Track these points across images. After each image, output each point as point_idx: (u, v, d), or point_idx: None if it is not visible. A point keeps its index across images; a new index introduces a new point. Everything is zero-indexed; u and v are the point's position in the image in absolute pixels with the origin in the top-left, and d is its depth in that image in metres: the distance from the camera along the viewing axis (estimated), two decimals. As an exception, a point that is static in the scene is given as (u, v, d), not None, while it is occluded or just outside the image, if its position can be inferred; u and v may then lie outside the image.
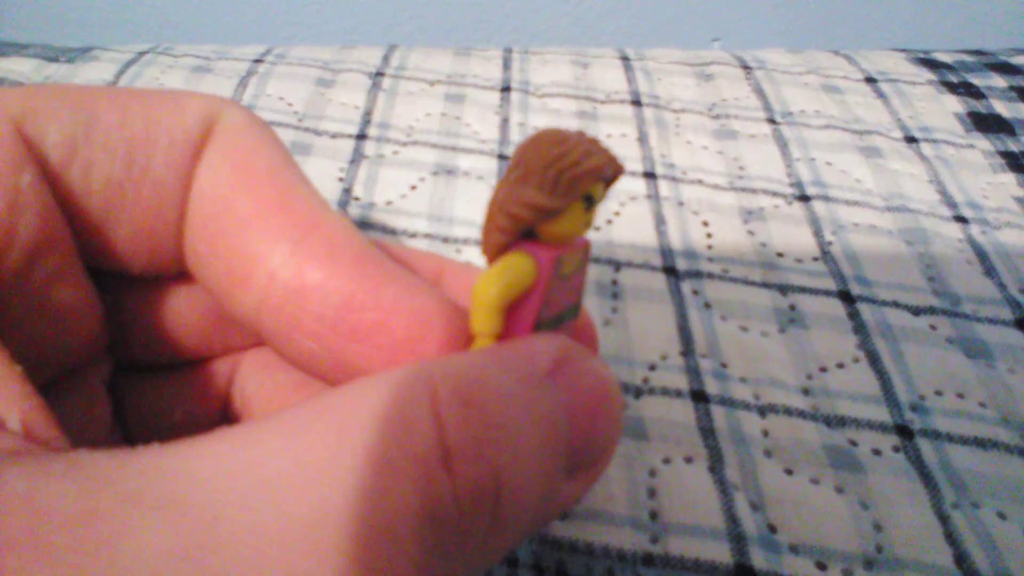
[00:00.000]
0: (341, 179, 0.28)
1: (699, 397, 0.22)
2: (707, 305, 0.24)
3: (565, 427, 0.12)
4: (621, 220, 0.27)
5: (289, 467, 0.09)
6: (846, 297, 0.25)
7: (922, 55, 0.40)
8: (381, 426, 0.10)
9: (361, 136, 0.31)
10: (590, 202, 0.13)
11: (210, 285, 0.14)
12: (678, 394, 0.22)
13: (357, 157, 0.29)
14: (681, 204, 0.28)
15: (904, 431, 0.21)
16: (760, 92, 0.35)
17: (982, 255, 0.27)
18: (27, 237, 0.12)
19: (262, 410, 0.16)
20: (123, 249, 0.14)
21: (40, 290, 0.13)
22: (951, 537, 0.19)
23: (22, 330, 0.12)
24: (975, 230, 0.28)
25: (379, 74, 0.34)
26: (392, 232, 0.27)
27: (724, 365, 0.23)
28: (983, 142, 0.33)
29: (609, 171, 0.13)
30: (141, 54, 0.35)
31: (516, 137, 0.31)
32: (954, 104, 0.35)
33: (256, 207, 0.13)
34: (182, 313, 0.15)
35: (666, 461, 0.20)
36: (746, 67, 0.37)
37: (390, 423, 0.10)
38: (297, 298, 0.13)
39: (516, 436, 0.11)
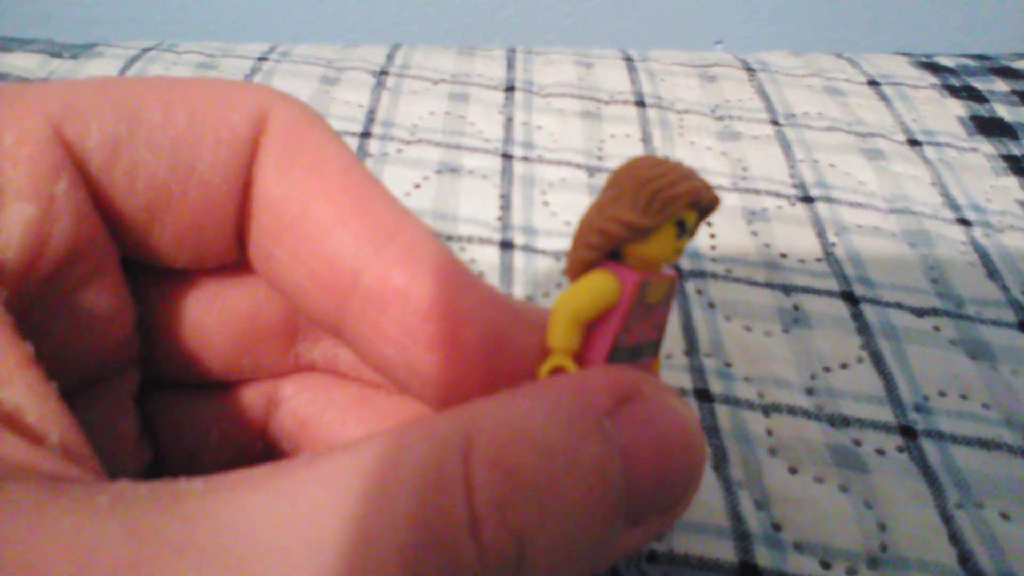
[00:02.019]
0: (345, 176, 0.28)
1: (703, 396, 0.22)
2: (711, 305, 0.24)
3: (620, 476, 0.11)
4: (625, 220, 0.27)
5: (331, 526, 0.09)
6: (850, 298, 0.25)
7: (924, 59, 0.40)
8: (416, 488, 0.10)
9: (365, 134, 0.31)
10: (682, 229, 0.12)
11: (287, 288, 0.14)
12: (683, 393, 0.22)
13: (361, 155, 0.29)
14: (685, 204, 0.28)
15: (908, 431, 0.21)
16: (763, 94, 0.35)
17: (985, 258, 0.27)
18: (60, 243, 0.12)
19: (325, 431, 0.16)
20: (167, 248, 0.14)
21: (70, 295, 0.12)
22: (955, 537, 0.19)
23: (50, 335, 0.12)
24: (978, 233, 0.28)
25: (383, 72, 0.34)
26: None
27: (728, 364, 0.23)
28: (986, 146, 0.33)
29: (705, 198, 0.12)
30: (145, 51, 0.35)
31: (520, 136, 0.31)
32: (957, 108, 0.36)
33: (336, 213, 0.13)
34: (212, 332, 0.15)
35: (670, 459, 0.20)
36: (749, 69, 0.37)
37: (424, 483, 0.10)
38: (379, 304, 0.13)
39: (549, 496, 0.10)
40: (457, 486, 0.10)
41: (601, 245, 0.12)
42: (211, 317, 0.15)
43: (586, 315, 0.12)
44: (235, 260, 0.15)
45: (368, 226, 0.13)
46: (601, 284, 0.12)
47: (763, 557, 0.18)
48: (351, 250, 0.13)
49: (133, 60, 0.34)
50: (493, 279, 0.25)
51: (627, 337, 0.13)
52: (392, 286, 0.13)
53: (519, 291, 0.25)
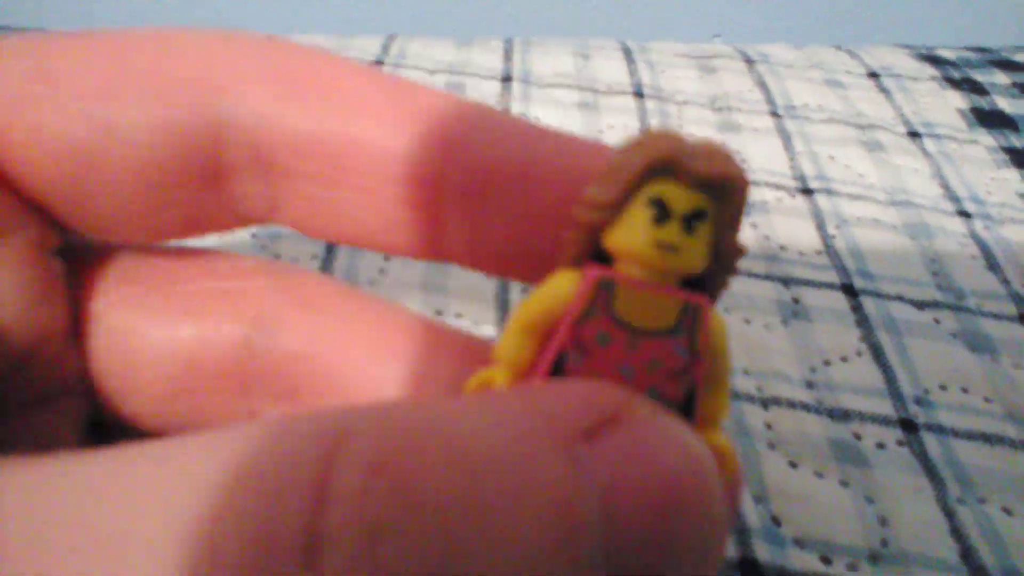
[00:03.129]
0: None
1: (702, 389, 0.21)
2: (710, 297, 0.24)
3: (596, 521, 0.08)
4: (623, 211, 0.27)
5: (175, 522, 0.07)
6: (849, 291, 0.25)
7: (925, 51, 0.40)
8: (265, 492, 0.07)
9: (360, 124, 0.30)
10: (662, 212, 0.09)
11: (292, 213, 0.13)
12: (681, 386, 0.21)
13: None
14: (683, 196, 0.28)
15: (908, 425, 0.21)
16: (763, 86, 0.35)
17: (985, 250, 0.27)
18: None
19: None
20: (113, 216, 0.12)
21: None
22: (957, 532, 0.19)
23: None
24: (978, 225, 0.28)
25: (379, 63, 0.34)
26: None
27: (727, 357, 0.22)
28: (986, 138, 0.33)
29: (689, 166, 0.09)
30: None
31: (517, 127, 0.31)
32: (957, 100, 0.35)
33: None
34: (145, 367, 0.13)
35: (669, 453, 0.20)
36: (749, 61, 0.37)
37: (274, 487, 0.07)
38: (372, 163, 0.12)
39: (469, 528, 0.07)
40: (303, 495, 0.07)
41: (575, 238, 0.10)
42: (148, 348, 0.13)
43: (534, 321, 0.10)
44: (224, 225, 0.13)
45: (407, 115, 0.11)
46: (556, 283, 0.10)
47: (763, 552, 0.18)
48: (416, 149, 0.11)
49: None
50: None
51: (587, 362, 0.09)
52: (489, 168, 0.11)
53: (515, 285, 0.24)
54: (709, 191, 0.09)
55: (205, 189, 0.12)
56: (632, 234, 0.09)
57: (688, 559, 0.08)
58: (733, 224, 0.10)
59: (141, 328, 0.13)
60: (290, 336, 0.13)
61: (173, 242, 0.14)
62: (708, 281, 0.10)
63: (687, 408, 0.10)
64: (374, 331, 0.13)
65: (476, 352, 0.12)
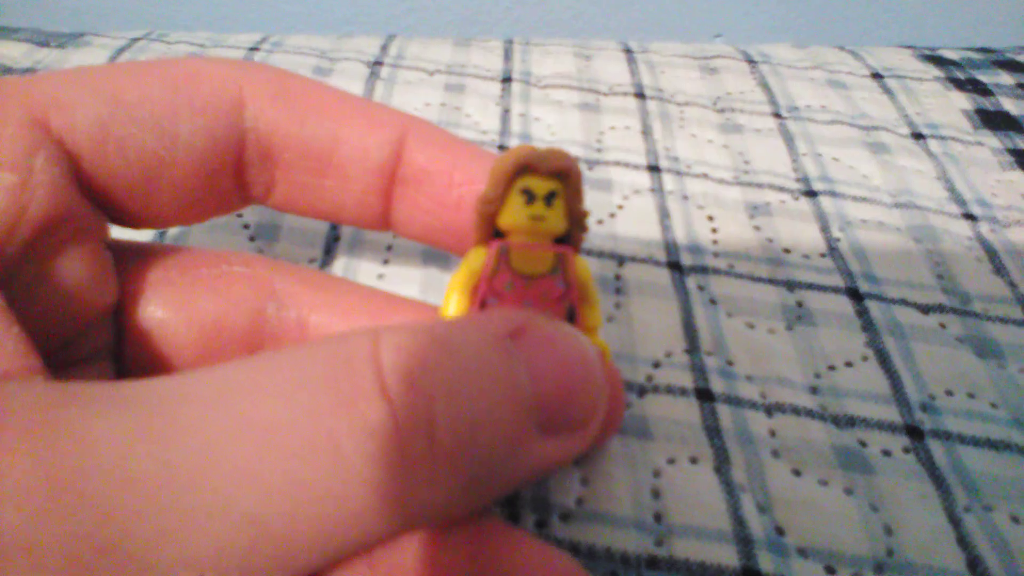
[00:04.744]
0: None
1: (704, 395, 0.21)
2: (712, 301, 0.24)
3: (527, 384, 0.13)
4: (624, 213, 0.27)
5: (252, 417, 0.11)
6: (854, 294, 0.25)
7: (928, 52, 0.39)
8: (330, 368, 0.11)
9: (359, 126, 0.30)
10: (530, 196, 0.14)
11: (339, 212, 0.17)
12: (683, 392, 0.21)
13: (355, 147, 0.29)
14: (686, 198, 0.28)
15: (914, 432, 0.21)
16: (765, 86, 0.35)
17: (991, 253, 0.27)
18: (39, 210, 0.13)
19: None
20: (168, 207, 0.16)
21: (50, 260, 0.14)
22: (963, 541, 0.18)
23: (32, 298, 0.14)
24: (984, 228, 0.28)
25: (377, 63, 0.34)
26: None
27: (730, 363, 0.22)
28: (991, 139, 0.32)
29: (540, 164, 0.14)
30: (134, 40, 0.34)
31: (517, 128, 0.30)
32: (961, 101, 0.35)
33: (357, 127, 0.16)
34: (178, 333, 0.16)
35: (671, 461, 0.19)
36: (751, 61, 0.37)
37: (336, 364, 0.11)
38: (415, 184, 0.16)
39: (456, 379, 0.12)
40: (364, 361, 0.11)
41: (478, 224, 0.15)
42: (179, 317, 0.16)
43: (462, 283, 0.15)
44: (233, 208, 0.17)
45: (379, 126, 0.16)
46: (472, 255, 0.15)
47: (766, 562, 0.18)
48: (385, 150, 0.16)
49: (122, 50, 0.33)
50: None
51: (501, 302, 0.15)
52: (422, 167, 0.16)
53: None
54: (557, 178, 0.14)
55: (230, 180, 0.16)
56: (513, 214, 0.14)
57: (587, 411, 0.14)
58: (576, 197, 0.15)
59: (174, 303, 0.16)
60: (297, 306, 0.16)
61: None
62: (570, 237, 0.15)
63: (570, 321, 0.15)
64: (363, 301, 0.17)
65: (430, 311, 0.17)
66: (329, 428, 0.10)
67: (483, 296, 0.14)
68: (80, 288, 0.14)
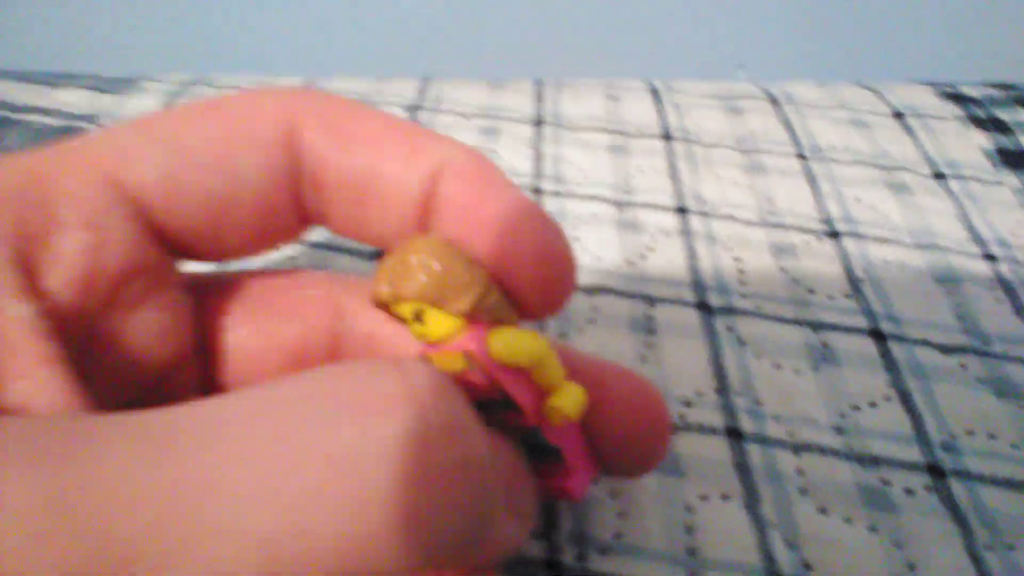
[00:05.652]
0: (382, 212, 0.29)
1: (734, 434, 0.22)
2: (741, 342, 0.25)
3: None
4: (654, 255, 0.28)
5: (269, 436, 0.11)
6: (877, 335, 0.26)
7: (949, 89, 0.40)
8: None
9: (400, 169, 0.31)
10: (414, 318, 0.14)
11: (378, 239, 0.17)
12: (714, 431, 0.22)
13: (397, 190, 0.30)
14: (713, 239, 0.29)
15: (936, 471, 0.22)
16: (788, 126, 0.36)
17: (1012, 294, 0.28)
18: (114, 265, 0.14)
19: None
20: (236, 245, 0.16)
21: (130, 311, 0.15)
22: (985, 579, 0.19)
23: (116, 347, 0.14)
24: (1004, 268, 0.29)
25: (416, 107, 0.35)
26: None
27: (758, 403, 0.23)
28: (1012, 179, 0.33)
29: (388, 298, 0.15)
30: (186, 85, 0.36)
31: (550, 170, 0.32)
32: (982, 140, 0.36)
33: (399, 158, 0.16)
34: (262, 360, 0.17)
35: (703, 498, 0.21)
36: (774, 101, 0.38)
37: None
38: (455, 218, 0.16)
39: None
40: (393, 379, 0.12)
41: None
42: (266, 346, 0.17)
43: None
44: (295, 236, 0.17)
45: (419, 155, 0.15)
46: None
47: (795, 597, 0.19)
48: (423, 185, 0.15)
49: (175, 96, 0.35)
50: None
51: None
52: (464, 202, 0.15)
53: (552, 327, 0.25)
54: (414, 296, 0.14)
55: (291, 212, 0.16)
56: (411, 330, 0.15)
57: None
58: (447, 293, 0.14)
59: (258, 334, 0.17)
60: (361, 323, 0.17)
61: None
62: (484, 314, 0.15)
63: (504, 403, 0.14)
64: None
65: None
66: (349, 442, 0.10)
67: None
68: (159, 332, 0.15)
